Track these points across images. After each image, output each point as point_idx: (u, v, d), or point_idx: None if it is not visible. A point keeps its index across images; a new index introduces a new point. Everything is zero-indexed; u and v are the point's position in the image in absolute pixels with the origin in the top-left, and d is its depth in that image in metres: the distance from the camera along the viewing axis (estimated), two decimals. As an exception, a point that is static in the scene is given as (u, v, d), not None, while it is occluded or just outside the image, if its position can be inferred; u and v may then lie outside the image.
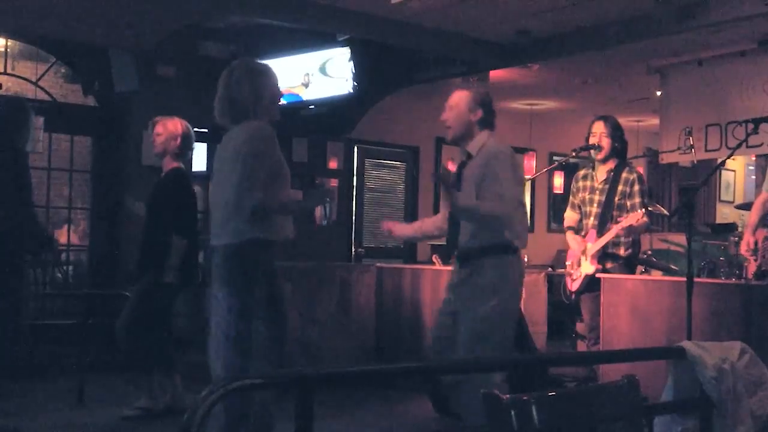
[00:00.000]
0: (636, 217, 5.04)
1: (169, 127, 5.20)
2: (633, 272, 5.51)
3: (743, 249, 5.22)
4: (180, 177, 5.21)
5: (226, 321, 3.56)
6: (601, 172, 5.36)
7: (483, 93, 4.05)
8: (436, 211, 10.48)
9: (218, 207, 3.67)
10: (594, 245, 5.23)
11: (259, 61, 3.92)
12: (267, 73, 3.76)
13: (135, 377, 5.40)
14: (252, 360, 3.56)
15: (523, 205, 4.04)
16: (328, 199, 3.86)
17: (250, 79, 3.68)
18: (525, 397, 1.89)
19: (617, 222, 5.11)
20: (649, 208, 5.50)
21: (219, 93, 3.77)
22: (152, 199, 5.21)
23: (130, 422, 5.00)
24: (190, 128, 5.30)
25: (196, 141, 8.32)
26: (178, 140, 5.19)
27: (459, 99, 4.00)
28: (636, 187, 5.21)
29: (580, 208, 5.48)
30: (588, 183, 5.42)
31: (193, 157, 8.28)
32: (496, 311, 3.79)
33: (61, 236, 8.29)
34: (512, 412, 1.83)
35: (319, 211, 3.92)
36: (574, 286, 5.35)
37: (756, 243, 5.11)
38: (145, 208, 5.27)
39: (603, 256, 5.25)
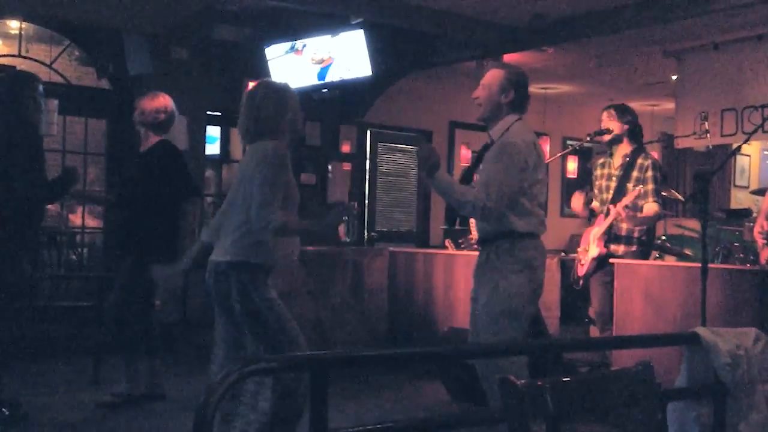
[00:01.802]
0: (633, 195, 5.04)
1: (154, 104, 5.06)
2: (647, 258, 5.50)
3: (756, 232, 5.20)
4: (171, 148, 5.08)
5: (263, 326, 3.55)
6: (617, 159, 5.36)
7: (518, 74, 3.95)
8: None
9: (230, 223, 3.67)
10: (599, 228, 5.23)
11: (280, 81, 3.95)
12: (287, 91, 3.80)
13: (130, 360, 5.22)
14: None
15: (538, 192, 3.84)
16: (346, 217, 3.87)
17: (274, 98, 3.72)
18: (539, 383, 1.89)
19: (627, 207, 5.09)
20: (663, 194, 5.47)
21: (243, 112, 3.77)
22: (141, 176, 5.02)
23: (107, 409, 4.92)
24: (170, 103, 5.12)
25: (209, 124, 8.43)
26: (158, 114, 5.04)
27: (492, 78, 3.92)
28: (649, 173, 5.19)
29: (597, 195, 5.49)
30: (606, 171, 5.42)
31: (206, 140, 8.35)
32: (507, 296, 3.76)
33: (76, 219, 8.35)
34: (526, 398, 1.83)
35: (342, 228, 3.94)
36: (582, 270, 5.36)
37: (769, 227, 5.08)
38: (127, 186, 5.12)
39: (611, 239, 5.24)
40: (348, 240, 4.26)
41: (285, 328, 3.54)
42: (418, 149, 3.90)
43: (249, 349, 3.59)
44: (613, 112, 5.36)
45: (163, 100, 5.10)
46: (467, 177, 4.19)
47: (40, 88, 4.83)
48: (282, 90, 3.80)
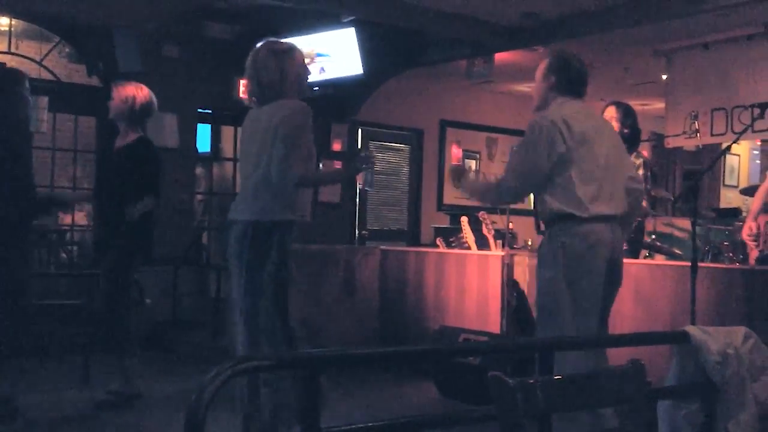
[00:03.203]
0: None
1: (121, 92, 5.00)
2: (637, 256, 5.51)
3: (745, 234, 5.22)
4: (148, 145, 5.03)
5: (240, 296, 3.67)
6: None
7: (560, 58, 3.86)
8: (440, 194, 10.49)
9: (248, 183, 3.76)
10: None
11: (284, 41, 3.94)
12: (291, 52, 3.84)
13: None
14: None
15: (578, 167, 3.62)
16: (367, 165, 3.93)
17: (275, 60, 3.75)
18: (531, 381, 1.90)
19: None
20: (653, 194, 5.49)
21: (247, 75, 3.85)
22: (117, 171, 4.96)
23: (104, 407, 4.90)
24: (148, 95, 5.04)
25: (200, 122, 8.41)
26: (129, 103, 4.97)
27: (538, 69, 3.90)
28: (640, 172, 5.20)
29: None
30: None
31: (197, 138, 8.33)
32: (552, 284, 3.61)
33: (66, 217, 8.31)
34: (518, 395, 1.84)
35: (361, 177, 4.00)
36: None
37: (759, 228, 5.11)
38: (103, 183, 5.06)
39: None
40: (368, 189, 4.33)
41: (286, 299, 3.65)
42: (452, 170, 4.05)
43: (262, 319, 3.65)
44: (616, 111, 5.30)
45: (132, 90, 5.00)
46: None
47: (28, 84, 4.79)
48: (283, 52, 3.81)
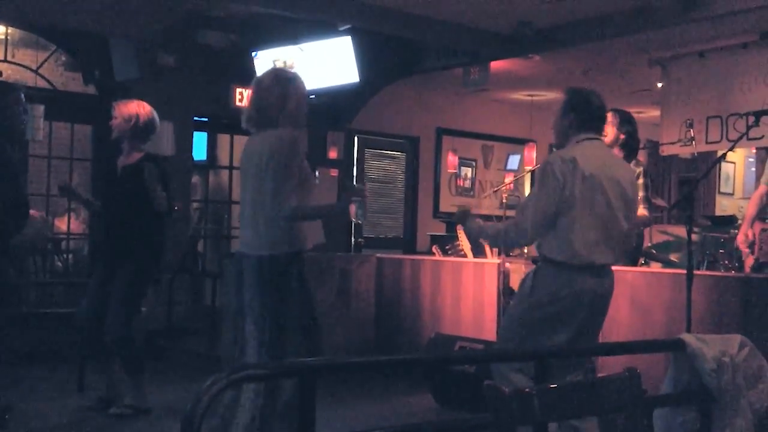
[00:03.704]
0: None
1: (123, 111, 4.98)
2: (635, 264, 5.52)
3: (740, 241, 5.23)
4: (153, 166, 4.98)
5: (259, 327, 3.65)
6: None
7: (578, 93, 3.86)
8: (436, 201, 10.50)
9: (248, 214, 3.78)
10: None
11: (289, 70, 3.98)
12: (294, 80, 3.84)
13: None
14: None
15: (579, 214, 3.60)
16: (359, 198, 3.95)
17: (278, 86, 3.76)
18: (526, 389, 1.90)
19: None
20: (651, 201, 5.49)
21: (250, 99, 3.89)
22: (124, 190, 4.97)
23: (120, 420, 4.85)
24: (150, 112, 5.04)
25: (196, 130, 8.40)
26: (132, 122, 4.95)
27: (558, 104, 3.87)
28: (640, 180, 5.19)
29: None
30: None
31: (193, 146, 8.33)
32: (525, 315, 3.70)
33: (62, 224, 8.30)
34: (514, 404, 1.84)
35: (353, 209, 4.01)
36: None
37: (754, 236, 5.12)
38: (110, 201, 5.07)
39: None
40: (360, 221, 4.37)
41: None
42: (458, 215, 4.03)
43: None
44: (613, 117, 5.28)
45: (135, 108, 5.00)
46: None
47: (20, 94, 4.77)
48: (287, 80, 3.83)
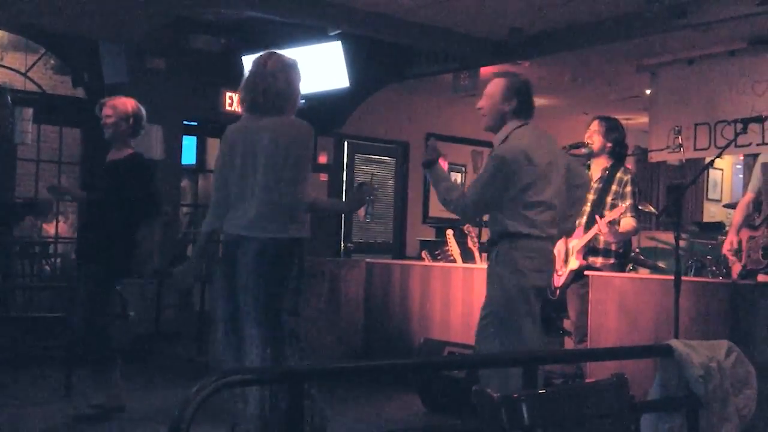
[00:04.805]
0: (619, 211, 5.07)
1: (119, 108, 4.92)
2: (624, 270, 5.53)
3: (726, 249, 5.25)
4: (140, 163, 4.99)
5: (255, 310, 3.65)
6: (596, 171, 5.35)
7: (520, 81, 4.03)
8: (425, 207, 10.51)
9: (257, 196, 3.68)
10: (579, 241, 5.25)
11: (288, 55, 3.93)
12: (296, 66, 3.86)
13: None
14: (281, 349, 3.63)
15: (535, 194, 3.92)
16: (370, 198, 4.00)
17: (285, 71, 3.74)
18: (515, 395, 1.90)
19: (610, 223, 5.11)
20: (639, 208, 5.50)
21: (249, 82, 3.76)
22: (109, 183, 4.91)
23: (84, 421, 4.82)
24: (141, 108, 5.01)
25: (185, 134, 8.39)
26: (131, 121, 4.93)
27: (495, 87, 4.03)
28: (628, 188, 5.21)
29: None
30: None
31: (182, 149, 8.31)
32: (491, 302, 3.92)
33: (50, 228, 8.28)
34: (502, 410, 1.84)
35: (363, 209, 4.07)
36: (559, 281, 5.38)
37: (740, 243, 5.14)
38: (97, 195, 4.99)
39: (589, 251, 5.27)
40: (368, 219, 4.48)
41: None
42: (428, 143, 4.15)
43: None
44: (600, 125, 5.30)
45: (130, 105, 4.96)
46: None
47: (9, 99, 4.73)
48: (290, 66, 3.81)
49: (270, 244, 3.63)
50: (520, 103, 3.97)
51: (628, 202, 5.18)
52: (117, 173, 4.91)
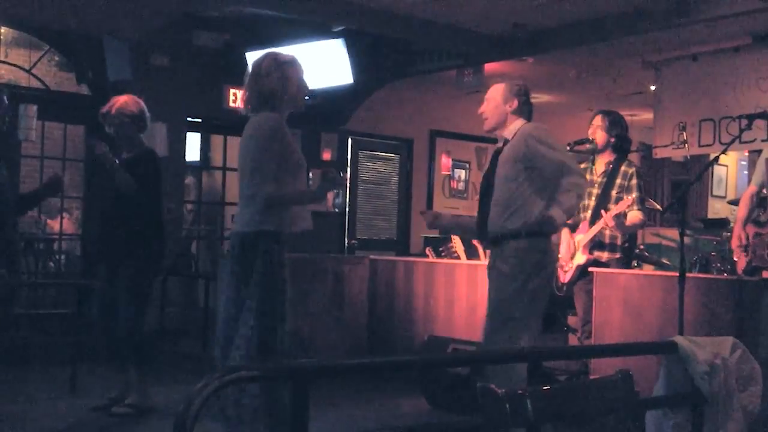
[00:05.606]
0: (626, 204, 5.07)
1: (126, 110, 4.94)
2: (629, 265, 5.53)
3: (734, 244, 5.24)
4: (154, 159, 5.02)
5: (233, 306, 3.74)
6: (600, 166, 5.36)
7: (519, 85, 4.26)
8: (429, 203, 10.50)
9: (243, 195, 3.84)
10: (585, 236, 5.24)
11: (286, 53, 3.96)
12: (293, 63, 3.87)
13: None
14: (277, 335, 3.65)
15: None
16: (338, 187, 4.06)
17: (278, 69, 3.78)
18: (520, 391, 1.90)
19: (616, 216, 5.11)
20: (645, 202, 5.50)
21: (248, 84, 3.87)
22: (141, 180, 4.90)
23: (119, 419, 4.87)
24: (140, 101, 5.02)
25: (189, 131, 8.39)
26: (138, 121, 4.97)
27: (495, 91, 4.24)
28: (634, 181, 5.21)
29: None
30: (588, 177, 5.41)
31: (186, 147, 8.31)
32: (513, 296, 3.99)
33: (54, 225, 8.28)
34: (507, 406, 1.84)
35: (330, 196, 4.12)
36: (566, 277, 5.37)
37: (747, 238, 5.12)
38: (98, 191, 5.05)
39: (595, 245, 5.26)
40: (336, 210, 4.48)
41: (278, 309, 3.68)
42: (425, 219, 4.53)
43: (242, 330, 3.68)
44: (602, 121, 5.32)
45: (137, 104, 4.99)
46: (486, 183, 4.27)
47: (5, 98, 4.71)
48: (286, 63, 3.84)
49: (236, 238, 3.76)
50: (520, 103, 4.19)
51: (634, 194, 5.18)
52: (140, 167, 4.90)
